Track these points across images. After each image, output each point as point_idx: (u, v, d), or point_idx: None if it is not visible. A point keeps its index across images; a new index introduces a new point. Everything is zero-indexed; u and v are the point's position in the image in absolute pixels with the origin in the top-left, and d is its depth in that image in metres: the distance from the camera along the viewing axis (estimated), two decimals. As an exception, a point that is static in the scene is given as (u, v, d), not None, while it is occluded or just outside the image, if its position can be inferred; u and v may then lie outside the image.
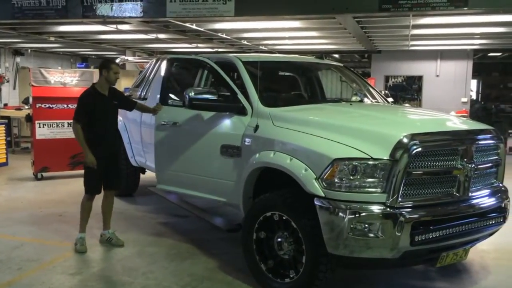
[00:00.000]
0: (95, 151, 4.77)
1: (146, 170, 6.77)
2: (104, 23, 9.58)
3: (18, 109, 11.69)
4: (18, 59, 16.64)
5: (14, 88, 15.96)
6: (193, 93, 4.47)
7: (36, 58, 17.68)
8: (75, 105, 7.71)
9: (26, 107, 11.29)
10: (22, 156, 10.84)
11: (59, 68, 14.52)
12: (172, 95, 5.29)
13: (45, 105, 8.19)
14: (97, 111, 4.79)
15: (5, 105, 13.50)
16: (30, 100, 8.95)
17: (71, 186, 7.83)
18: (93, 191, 4.99)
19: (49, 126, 8.21)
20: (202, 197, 4.89)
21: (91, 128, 4.78)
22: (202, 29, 10.68)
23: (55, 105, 8.23)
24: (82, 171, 8.46)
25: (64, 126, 8.28)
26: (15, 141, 11.95)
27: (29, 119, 8.80)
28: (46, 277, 4.21)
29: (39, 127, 8.17)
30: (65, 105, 8.29)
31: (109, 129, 4.99)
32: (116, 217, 6.04)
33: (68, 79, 8.37)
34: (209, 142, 4.65)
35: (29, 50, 17.08)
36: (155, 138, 5.00)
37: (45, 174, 8.33)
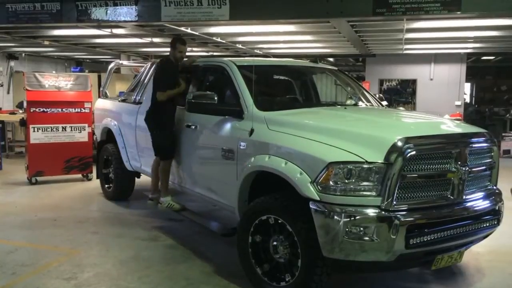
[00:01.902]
0: (171, 120, 5.33)
1: (141, 174, 6.76)
2: (98, 27, 9.57)
3: (12, 113, 11.63)
4: (12, 63, 16.57)
5: (8, 92, 15.90)
6: (191, 97, 4.53)
7: (30, 62, 17.61)
8: (70, 109, 7.70)
9: (20, 111, 11.23)
10: (16, 160, 10.80)
11: (54, 72, 14.46)
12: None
13: (39, 109, 8.16)
14: (172, 79, 5.38)
15: (-1, 109, 13.45)
16: (25, 104, 8.91)
17: (65, 191, 7.81)
18: (172, 155, 5.40)
19: (43, 130, 8.18)
20: (203, 196, 5.01)
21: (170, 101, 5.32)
22: (197, 33, 10.68)
23: (49, 109, 8.19)
24: (76, 176, 8.51)
25: (58, 130, 8.25)
26: (9, 145, 11.89)
27: (23, 123, 8.76)
28: (40, 281, 4.18)
29: (34, 131, 8.13)
30: (60, 109, 8.26)
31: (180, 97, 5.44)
32: (111, 221, 6.04)
33: (62, 83, 8.34)
34: (208, 145, 4.78)
35: (23, 54, 17.01)
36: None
37: (39, 179, 8.30)
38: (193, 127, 5.01)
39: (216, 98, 4.50)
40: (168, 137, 5.32)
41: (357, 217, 3.32)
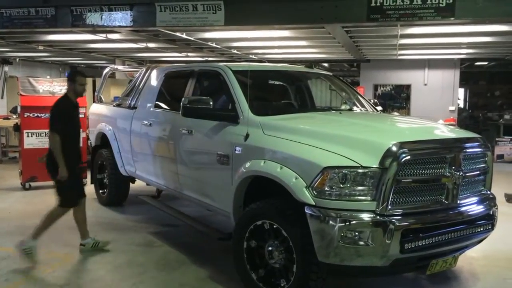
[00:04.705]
0: (72, 162, 4.80)
1: (136, 179, 6.73)
2: (93, 32, 9.58)
3: (6, 118, 11.58)
4: (6, 68, 16.53)
5: (2, 97, 15.82)
6: (186, 102, 4.52)
7: (24, 67, 17.58)
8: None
9: (14, 116, 11.19)
10: (10, 165, 10.73)
11: (48, 77, 14.40)
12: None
13: (33, 114, 8.12)
14: (72, 120, 4.92)
15: (-7, 114, 13.37)
16: (18, 109, 8.87)
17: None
18: (74, 204, 4.94)
19: (37, 135, 8.14)
20: (198, 201, 4.96)
21: (67, 138, 4.77)
22: (192, 38, 10.71)
23: (43, 114, 8.14)
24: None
25: (52, 135, 8.21)
26: (3, 150, 11.82)
27: (17, 128, 8.72)
28: (34, 288, 4.15)
29: (28, 136, 8.10)
30: (54, 114, 8.22)
31: (79, 138, 5.10)
32: (106, 227, 6.01)
33: (57, 88, 8.30)
34: (203, 150, 4.77)
35: (18, 59, 16.98)
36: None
37: (33, 184, 8.24)
38: (187, 132, 5.00)
39: (211, 103, 4.50)
40: (70, 182, 4.77)
41: (352, 222, 3.32)
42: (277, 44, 12.04)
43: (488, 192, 4.15)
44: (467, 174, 3.80)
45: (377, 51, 13.26)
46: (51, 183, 8.21)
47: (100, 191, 7.24)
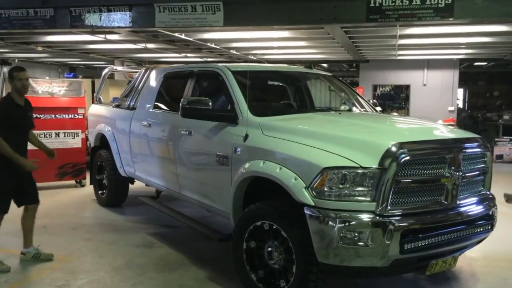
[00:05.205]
0: (11, 167, 4.53)
1: (135, 180, 6.73)
2: (92, 33, 9.57)
3: (5, 119, 11.57)
4: (5, 69, 16.47)
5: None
6: (185, 102, 4.52)
7: (23, 68, 17.56)
8: (63, 115, 7.56)
9: (13, 117, 11.17)
10: (8, 166, 10.70)
11: (47, 78, 14.39)
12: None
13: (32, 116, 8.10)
14: (13, 122, 4.60)
15: (-8, 115, 13.34)
16: (17, 110, 8.85)
17: (58, 197, 7.75)
18: (5, 211, 4.69)
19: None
20: (197, 201, 4.96)
21: (7, 140, 4.47)
22: (191, 39, 10.70)
23: (42, 115, 8.14)
24: (69, 182, 8.45)
25: (51, 136, 8.20)
26: (2, 151, 11.80)
27: (16, 129, 8.69)
28: (33, 289, 4.15)
29: (27, 137, 8.08)
30: (53, 115, 8.22)
31: (23, 141, 4.79)
32: (105, 228, 6.01)
33: (56, 89, 8.30)
34: (202, 151, 4.76)
35: (17, 60, 16.96)
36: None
37: (32, 185, 8.22)
38: (187, 132, 5.00)
39: (210, 103, 4.50)
40: (3, 188, 4.58)
41: (352, 223, 3.32)
42: (276, 45, 12.05)
43: (488, 192, 4.15)
44: (467, 175, 3.80)
45: (376, 51, 13.26)
46: (50, 184, 8.29)
47: (99, 192, 7.24)
